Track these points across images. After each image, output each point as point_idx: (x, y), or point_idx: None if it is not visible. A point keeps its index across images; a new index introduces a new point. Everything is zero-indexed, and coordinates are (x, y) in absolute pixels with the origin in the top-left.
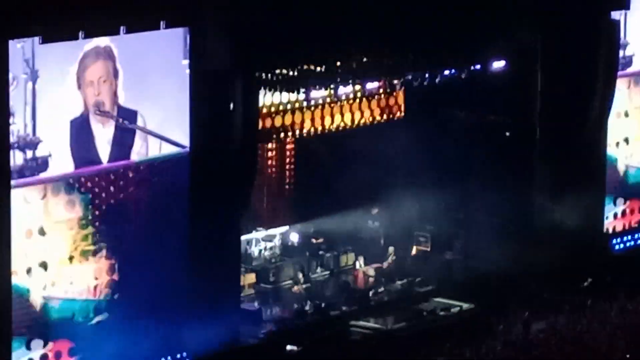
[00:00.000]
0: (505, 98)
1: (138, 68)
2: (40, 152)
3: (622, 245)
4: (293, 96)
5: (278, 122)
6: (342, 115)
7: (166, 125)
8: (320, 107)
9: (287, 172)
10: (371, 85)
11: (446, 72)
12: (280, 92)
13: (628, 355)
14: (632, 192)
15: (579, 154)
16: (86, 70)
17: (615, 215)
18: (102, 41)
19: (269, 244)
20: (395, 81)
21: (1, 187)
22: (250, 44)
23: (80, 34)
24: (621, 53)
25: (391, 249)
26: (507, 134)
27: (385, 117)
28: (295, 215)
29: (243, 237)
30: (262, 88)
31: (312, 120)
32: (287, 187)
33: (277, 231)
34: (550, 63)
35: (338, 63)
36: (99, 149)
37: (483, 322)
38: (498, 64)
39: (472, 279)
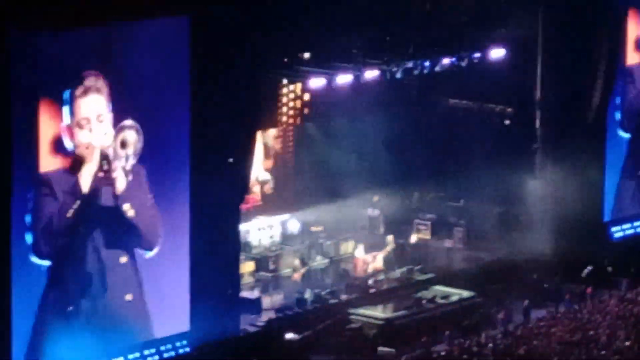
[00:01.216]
0: (505, 86)
1: None
2: None
3: (622, 234)
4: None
5: (278, 108)
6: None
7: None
8: (319, 93)
9: (288, 159)
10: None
11: (446, 61)
12: (280, 78)
13: (628, 343)
14: None
15: (578, 142)
16: None
17: None
18: None
19: (269, 232)
20: (395, 69)
21: (2, 181)
22: (249, 30)
23: (80, 22)
24: None
25: (390, 237)
26: (507, 122)
27: None
28: (295, 203)
29: (242, 226)
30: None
31: (311, 106)
32: (287, 173)
33: (277, 219)
34: (550, 50)
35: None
36: None
37: (483, 311)
38: (497, 52)
39: (472, 267)
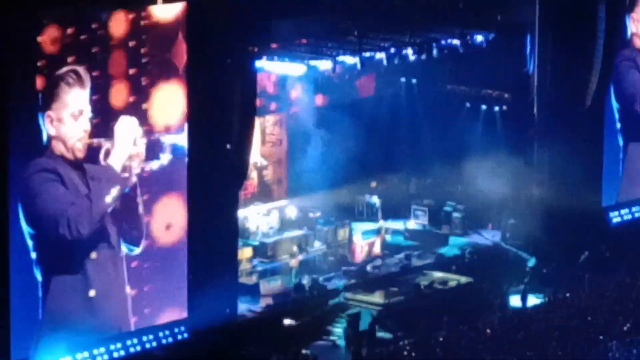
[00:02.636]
0: (503, 72)
1: None
2: None
3: (619, 219)
4: (290, 68)
5: (275, 94)
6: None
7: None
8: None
9: (286, 145)
10: None
11: (443, 46)
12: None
13: (625, 328)
14: None
15: (576, 128)
16: None
17: None
18: None
19: (267, 219)
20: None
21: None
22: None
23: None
24: None
25: (388, 223)
26: (505, 107)
27: None
28: (293, 189)
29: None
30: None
31: (309, 92)
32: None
33: (275, 205)
34: (547, 35)
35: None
36: None
37: (480, 296)
38: (495, 38)
39: (470, 253)
